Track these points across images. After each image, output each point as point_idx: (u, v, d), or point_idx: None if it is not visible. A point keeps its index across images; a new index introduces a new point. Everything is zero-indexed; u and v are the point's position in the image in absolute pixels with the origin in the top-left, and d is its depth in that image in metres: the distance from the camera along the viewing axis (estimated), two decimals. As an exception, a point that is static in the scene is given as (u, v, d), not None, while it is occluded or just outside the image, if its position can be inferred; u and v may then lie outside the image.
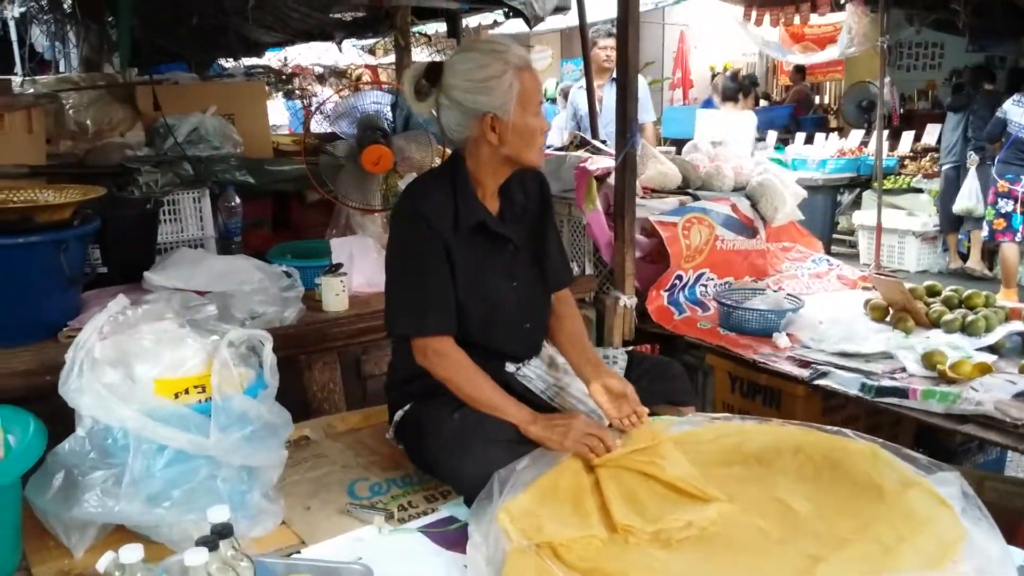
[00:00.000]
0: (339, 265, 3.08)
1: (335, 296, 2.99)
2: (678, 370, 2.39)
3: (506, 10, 5.18)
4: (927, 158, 8.88)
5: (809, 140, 9.63)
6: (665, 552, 1.63)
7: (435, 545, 1.83)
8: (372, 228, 3.56)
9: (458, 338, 2.08)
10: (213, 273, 2.90)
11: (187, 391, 1.80)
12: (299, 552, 1.81)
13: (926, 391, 2.64)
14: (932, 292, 3.61)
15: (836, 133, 10.10)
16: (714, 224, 3.88)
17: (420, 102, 2.06)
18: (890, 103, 8.09)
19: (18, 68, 6.87)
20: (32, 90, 4.57)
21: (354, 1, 5.20)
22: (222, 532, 1.42)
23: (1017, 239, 6.48)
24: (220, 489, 1.78)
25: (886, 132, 7.67)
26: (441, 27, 7.05)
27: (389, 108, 3.71)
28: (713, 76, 11.63)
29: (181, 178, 3.58)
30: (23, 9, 6.05)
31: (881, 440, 1.86)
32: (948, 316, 3.29)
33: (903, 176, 8.59)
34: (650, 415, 2.06)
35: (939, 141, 8.78)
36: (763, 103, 10.79)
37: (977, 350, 3.03)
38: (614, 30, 3.64)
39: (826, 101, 13.41)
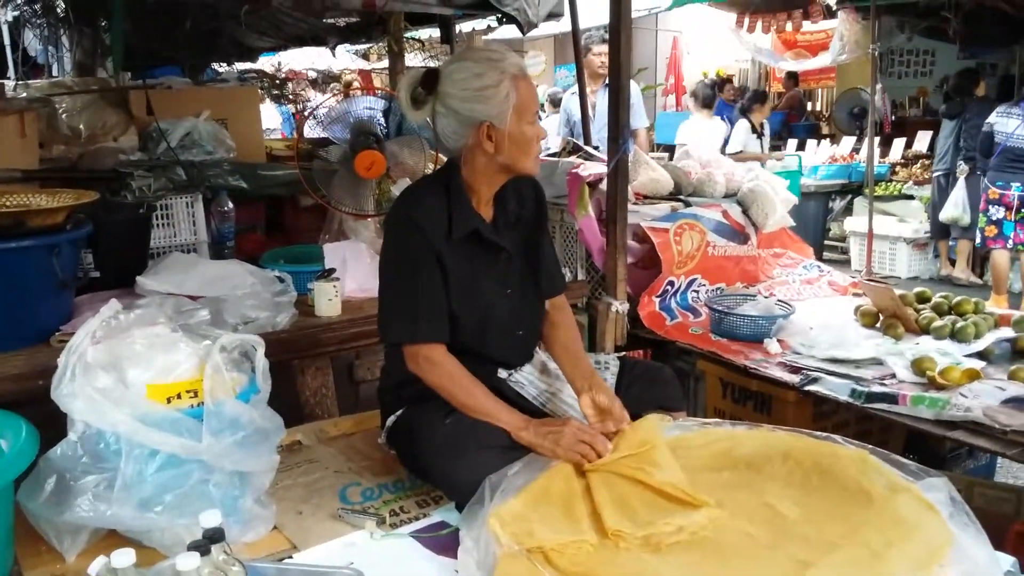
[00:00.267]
0: (332, 270, 3.08)
1: (328, 301, 2.99)
2: (669, 375, 2.39)
3: (499, 16, 5.19)
4: (918, 165, 8.93)
5: (801, 147, 9.67)
6: (655, 557, 1.64)
7: (427, 550, 1.83)
8: (365, 233, 3.57)
9: (451, 345, 2.08)
10: (206, 278, 2.91)
11: (179, 396, 1.80)
12: (291, 557, 1.81)
13: (915, 397, 2.66)
14: (922, 298, 3.63)
15: (828, 140, 10.15)
16: (705, 230, 3.90)
17: (416, 110, 2.06)
18: (881, 110, 8.11)
19: (11, 72, 6.86)
20: (25, 94, 4.57)
21: (347, 6, 5.21)
22: (214, 537, 1.42)
23: (1008, 246, 6.51)
24: (212, 494, 1.78)
25: (877, 139, 7.71)
26: (434, 32, 7.06)
27: (382, 113, 3.72)
28: (719, 83, 11.63)
29: (174, 183, 3.58)
30: (16, 13, 6.04)
31: (870, 446, 1.87)
32: (938, 322, 3.31)
33: (894, 183, 8.64)
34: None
35: (931, 148, 8.83)
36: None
37: (966, 356, 3.05)
38: (608, 36, 3.65)
39: (818, 108, 13.47)
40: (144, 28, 4.93)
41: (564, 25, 5.70)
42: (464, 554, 1.66)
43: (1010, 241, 6.48)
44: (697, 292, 3.86)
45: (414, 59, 9.08)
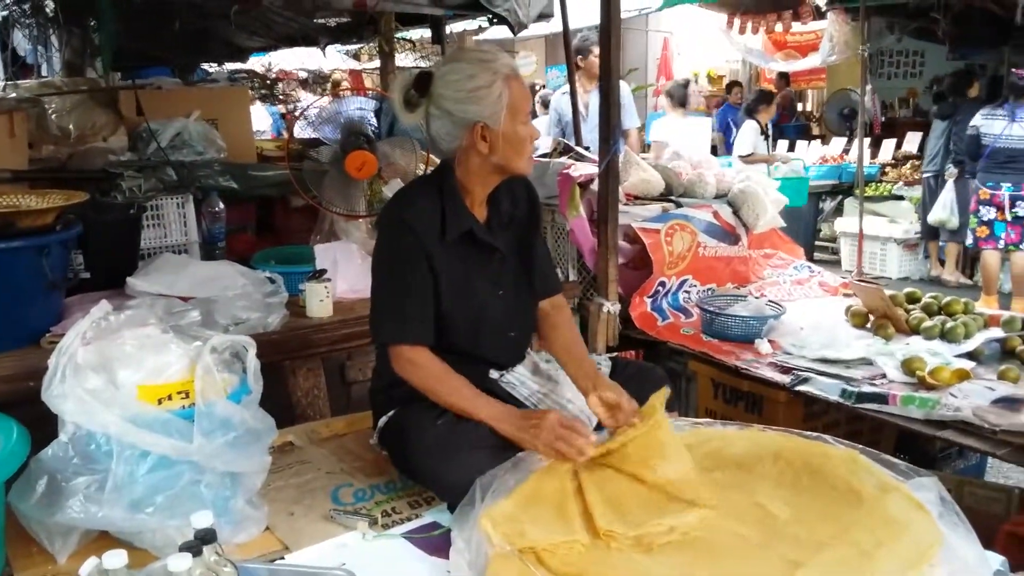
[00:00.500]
0: (323, 271, 3.08)
1: (319, 302, 2.99)
2: (661, 376, 2.40)
3: (490, 16, 5.20)
4: (908, 166, 8.97)
5: (791, 147, 9.70)
6: (647, 557, 1.64)
7: (419, 551, 1.83)
8: (356, 234, 3.57)
9: (444, 345, 2.09)
10: (196, 279, 2.90)
11: (170, 397, 1.80)
12: (283, 558, 1.81)
13: (905, 397, 2.67)
14: (912, 299, 3.65)
15: (818, 141, 10.18)
16: (696, 231, 3.91)
17: (409, 113, 2.07)
18: (871, 111, 8.15)
19: (0, 72, 6.82)
20: (14, 94, 4.55)
21: (338, 6, 5.20)
22: (205, 538, 1.42)
23: (1000, 246, 6.54)
24: (203, 495, 1.78)
25: (867, 140, 7.74)
26: (425, 33, 7.07)
27: (373, 114, 3.71)
28: (728, 85, 11.65)
29: (164, 183, 3.56)
30: (5, 13, 6.02)
31: (860, 446, 1.88)
32: (928, 323, 3.32)
33: (884, 183, 8.68)
34: None
35: (920, 149, 8.87)
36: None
37: (956, 356, 3.07)
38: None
39: (808, 108, 13.51)
40: (133, 28, 4.91)
41: (555, 26, 5.70)
42: (456, 555, 1.66)
43: (1001, 241, 6.51)
44: (688, 293, 3.87)
45: (405, 59, 9.08)
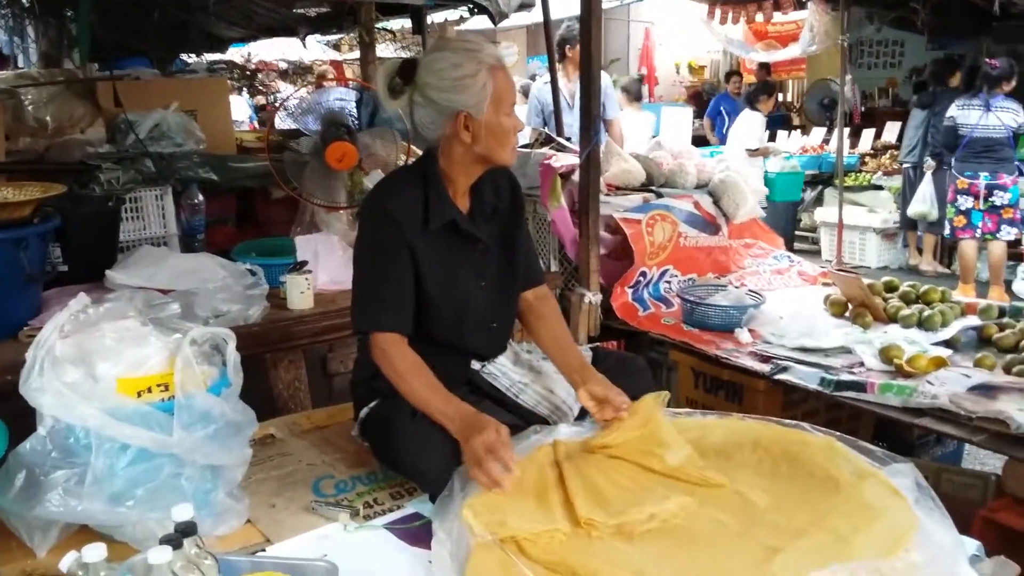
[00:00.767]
0: (304, 263, 3.07)
1: (300, 294, 2.98)
2: (642, 366, 2.41)
3: (471, 6, 5.19)
4: (887, 155, 9.02)
5: (772, 138, 9.74)
6: (627, 545, 1.65)
7: (400, 542, 1.84)
8: (337, 225, 3.56)
9: (427, 336, 2.09)
10: (176, 271, 2.89)
11: (150, 389, 1.79)
12: (264, 550, 1.81)
13: (883, 385, 2.69)
14: (890, 288, 3.68)
15: (798, 131, 10.22)
16: (677, 221, 3.92)
17: (393, 100, 2.07)
18: (851, 101, 8.20)
19: (-25, 63, 6.76)
20: (-10, 86, 4.50)
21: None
22: (186, 530, 1.42)
23: (977, 235, 6.60)
24: (184, 488, 1.77)
25: (847, 130, 7.78)
26: (406, 23, 7.03)
27: (354, 104, 3.70)
28: (726, 75, 11.62)
29: (143, 175, 3.54)
30: (-20, 4, 5.95)
31: (838, 433, 1.90)
32: (905, 311, 3.35)
33: (864, 173, 8.72)
34: None
35: (899, 138, 8.92)
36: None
37: (933, 344, 3.10)
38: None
39: (788, 99, 13.56)
40: (111, 19, 4.88)
41: (536, 16, 5.70)
42: (437, 545, 1.67)
43: (978, 230, 6.56)
44: (669, 283, 3.88)
45: (385, 49, 9.05)
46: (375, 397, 2.17)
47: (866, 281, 3.58)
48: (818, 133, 9.73)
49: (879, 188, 8.39)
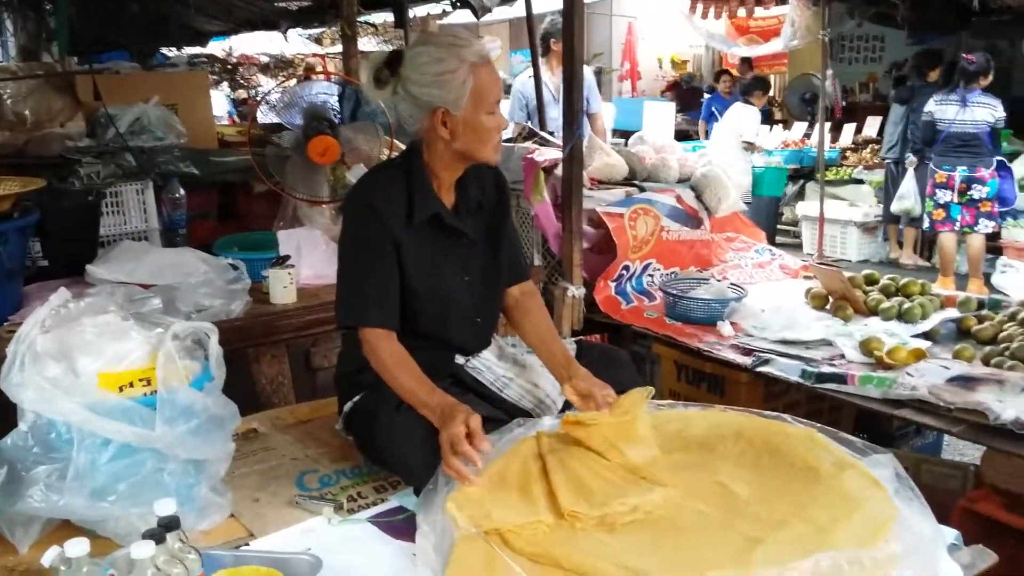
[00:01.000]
0: (287, 257, 3.06)
1: (283, 288, 2.97)
2: (625, 358, 2.42)
3: (453, 0, 5.18)
4: (868, 150, 9.08)
5: (756, 132, 9.77)
6: (610, 536, 1.66)
7: (385, 535, 1.84)
8: (320, 220, 3.55)
9: (412, 330, 2.09)
10: (157, 266, 2.88)
11: (131, 384, 1.78)
12: (248, 544, 1.81)
13: (863, 377, 2.72)
14: (870, 280, 3.71)
15: (780, 125, 10.26)
16: (660, 215, 3.94)
17: (378, 90, 2.06)
18: (832, 95, 8.22)
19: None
20: (-33, 79, 4.46)
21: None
22: (169, 525, 1.41)
23: (955, 228, 6.66)
24: (167, 482, 1.77)
25: (828, 124, 7.81)
26: (388, 17, 7.02)
27: (336, 98, 3.69)
28: (716, 74, 11.63)
29: (123, 169, 3.52)
30: (-43, -4, 5.89)
31: (818, 425, 1.92)
32: (885, 304, 3.38)
33: (845, 167, 8.78)
34: None
35: (880, 133, 8.98)
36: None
37: (913, 336, 3.13)
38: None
39: (770, 93, 13.60)
40: (90, 12, 4.84)
41: (519, 10, 5.69)
42: (421, 538, 1.67)
43: (957, 224, 6.62)
44: (652, 276, 3.90)
45: (367, 43, 9.02)
46: (359, 391, 2.17)
47: (847, 274, 3.61)
48: (799, 127, 9.77)
49: (860, 182, 8.45)
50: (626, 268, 3.79)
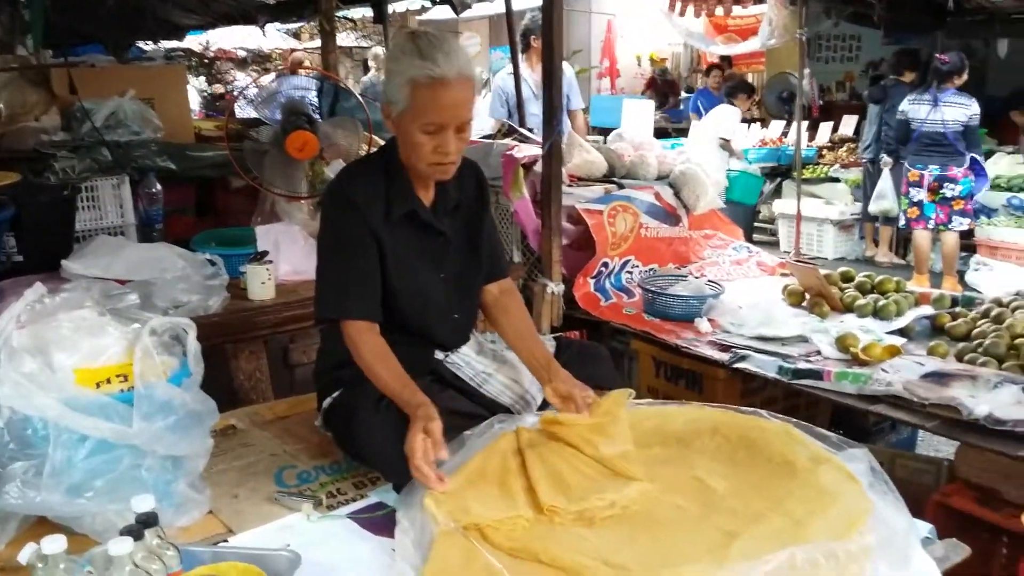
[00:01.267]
0: (265, 253, 3.05)
1: (261, 284, 2.96)
2: (603, 354, 2.43)
3: (433, -4, 5.17)
4: (844, 148, 9.15)
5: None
6: (589, 531, 1.67)
7: (364, 531, 1.84)
8: (298, 215, 3.53)
9: (391, 325, 2.09)
10: (134, 261, 2.85)
11: (108, 380, 1.77)
12: (226, 540, 1.80)
13: (839, 373, 2.74)
14: (846, 278, 3.74)
15: (758, 124, 10.32)
16: (639, 212, 3.95)
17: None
18: (809, 94, 8.27)
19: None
20: (-60, 72, 4.40)
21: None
22: (147, 521, 1.41)
23: (930, 226, 6.73)
24: (144, 479, 1.76)
25: (805, 123, 7.86)
26: (367, 12, 6.99)
27: (315, 94, 3.68)
28: (706, 70, 11.60)
29: (99, 164, 3.50)
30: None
31: (794, 420, 1.93)
32: (861, 301, 3.42)
33: (821, 166, 8.84)
34: None
35: (856, 132, 9.06)
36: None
37: (888, 333, 3.16)
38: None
39: (755, 97, 13.65)
40: (65, 4, 4.78)
41: (499, 6, 5.69)
42: (401, 534, 1.67)
43: (931, 222, 6.69)
44: (631, 273, 3.91)
45: (346, 39, 8.98)
46: (338, 387, 2.16)
47: (823, 272, 3.64)
48: (777, 126, 9.83)
49: (836, 180, 8.52)
50: (605, 265, 3.81)
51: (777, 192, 8.77)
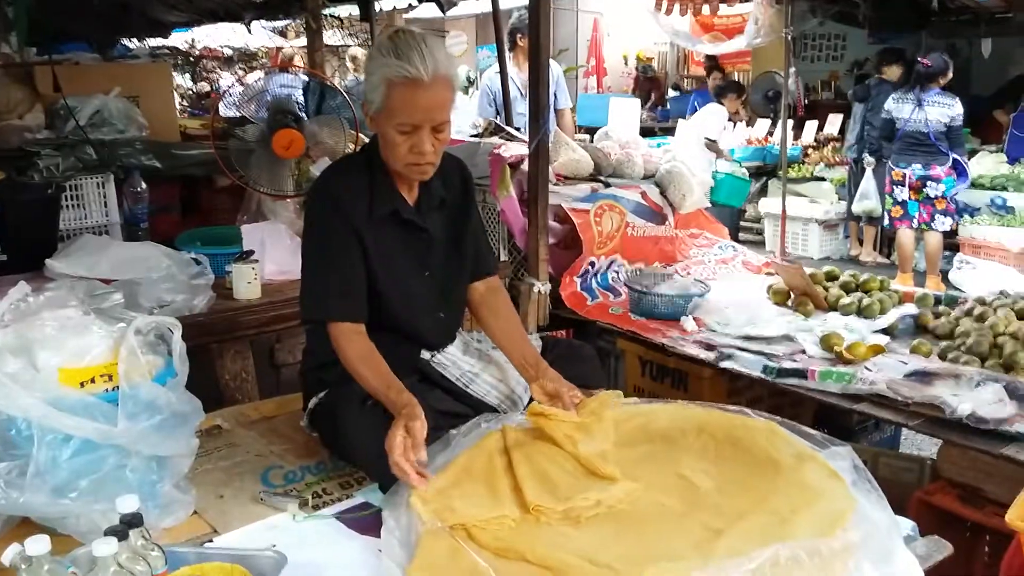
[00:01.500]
0: (250, 252, 3.04)
1: (247, 284, 2.95)
2: (589, 353, 2.43)
3: (419, -6, 5.17)
4: (829, 147, 9.20)
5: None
6: (574, 530, 1.68)
7: (350, 531, 1.84)
8: (284, 214, 3.53)
9: (377, 324, 2.09)
10: (119, 260, 2.84)
11: (93, 380, 1.76)
12: (211, 541, 1.79)
13: (823, 372, 2.76)
14: (831, 277, 3.76)
15: (743, 123, 10.36)
16: (625, 211, 3.96)
17: None
18: (795, 93, 8.31)
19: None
20: (-78, 70, 4.37)
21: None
22: (131, 522, 1.40)
23: (913, 225, 6.77)
24: (129, 479, 1.75)
25: (791, 122, 7.90)
26: (354, 10, 6.98)
27: (301, 92, 3.67)
28: (707, 68, 11.59)
29: (84, 162, 3.48)
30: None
31: (779, 418, 1.95)
32: (845, 300, 3.44)
33: (806, 165, 8.88)
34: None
35: (841, 131, 9.10)
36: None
37: (872, 332, 3.18)
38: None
39: (744, 97, 13.68)
40: (49, 2, 4.75)
41: (486, 4, 5.69)
42: (387, 533, 1.68)
43: (915, 221, 6.74)
44: (617, 272, 3.92)
45: (332, 37, 8.96)
46: (324, 387, 2.16)
47: (808, 271, 3.66)
48: (763, 125, 9.87)
49: (821, 180, 8.56)
50: (591, 264, 3.81)
51: (763, 191, 8.81)
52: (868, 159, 7.46)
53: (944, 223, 6.69)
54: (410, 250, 2.15)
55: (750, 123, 10.20)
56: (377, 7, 7.05)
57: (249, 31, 7.60)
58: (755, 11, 7.99)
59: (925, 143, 6.56)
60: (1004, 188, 7.15)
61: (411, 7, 8.45)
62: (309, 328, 2.30)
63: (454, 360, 2.27)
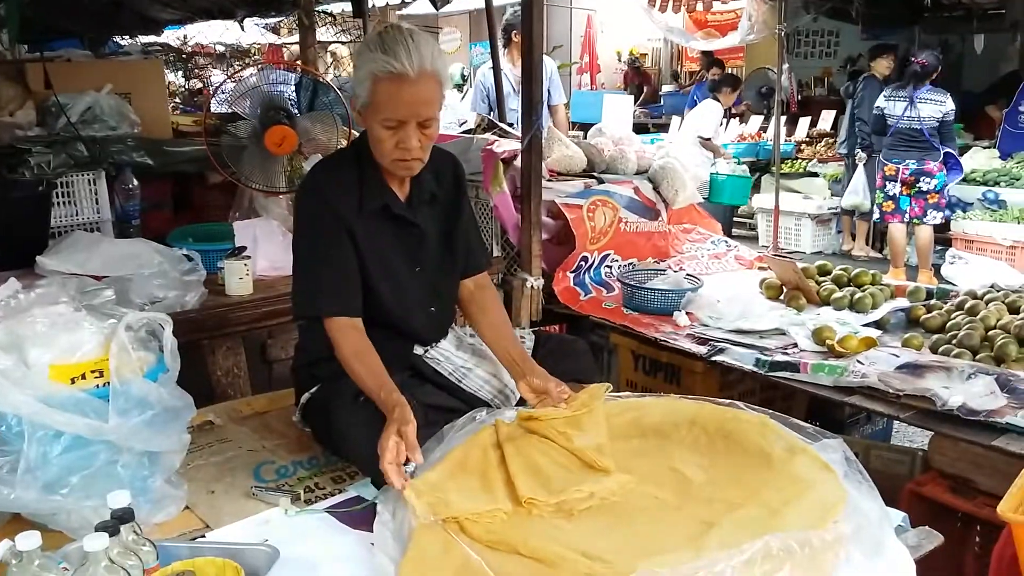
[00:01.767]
0: (242, 248, 3.04)
1: (238, 280, 2.95)
2: (582, 348, 2.44)
3: (413, -9, 5.16)
4: (822, 143, 9.22)
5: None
6: (567, 523, 1.68)
7: (342, 525, 1.83)
8: (276, 210, 3.52)
9: (370, 319, 2.08)
10: (110, 257, 2.83)
11: (84, 376, 1.76)
12: (204, 536, 1.79)
13: (816, 365, 2.77)
14: (823, 271, 3.77)
15: (737, 119, 10.37)
16: (618, 206, 3.96)
17: None
18: (788, 89, 8.33)
19: None
20: (-88, 67, 4.35)
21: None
22: (123, 517, 1.40)
23: (905, 220, 6.79)
24: (120, 474, 1.75)
25: (784, 118, 7.91)
26: (346, 6, 6.96)
27: (293, 88, 3.67)
28: (707, 65, 11.56)
29: (75, 159, 3.47)
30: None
31: (771, 412, 1.95)
32: (837, 294, 3.45)
33: (800, 160, 8.90)
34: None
35: (834, 127, 9.12)
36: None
37: (864, 325, 3.19)
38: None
39: (739, 91, 13.69)
40: (41, -1, 4.73)
41: (479, 1, 5.68)
42: (380, 527, 1.68)
43: (906, 215, 6.75)
44: (610, 267, 3.93)
45: (325, 33, 8.94)
46: (316, 382, 2.16)
47: (800, 265, 3.67)
48: (756, 121, 9.88)
49: (814, 175, 8.58)
50: (584, 259, 3.82)
51: (756, 187, 8.83)
52: (860, 154, 7.47)
53: (935, 217, 6.71)
54: (401, 245, 2.15)
55: (744, 119, 10.21)
56: (370, 3, 7.03)
57: (242, 28, 7.59)
58: (748, 7, 7.99)
59: (919, 139, 6.58)
60: (996, 183, 7.16)
61: (404, 3, 8.45)
62: (301, 324, 2.29)
63: (447, 355, 2.27)
